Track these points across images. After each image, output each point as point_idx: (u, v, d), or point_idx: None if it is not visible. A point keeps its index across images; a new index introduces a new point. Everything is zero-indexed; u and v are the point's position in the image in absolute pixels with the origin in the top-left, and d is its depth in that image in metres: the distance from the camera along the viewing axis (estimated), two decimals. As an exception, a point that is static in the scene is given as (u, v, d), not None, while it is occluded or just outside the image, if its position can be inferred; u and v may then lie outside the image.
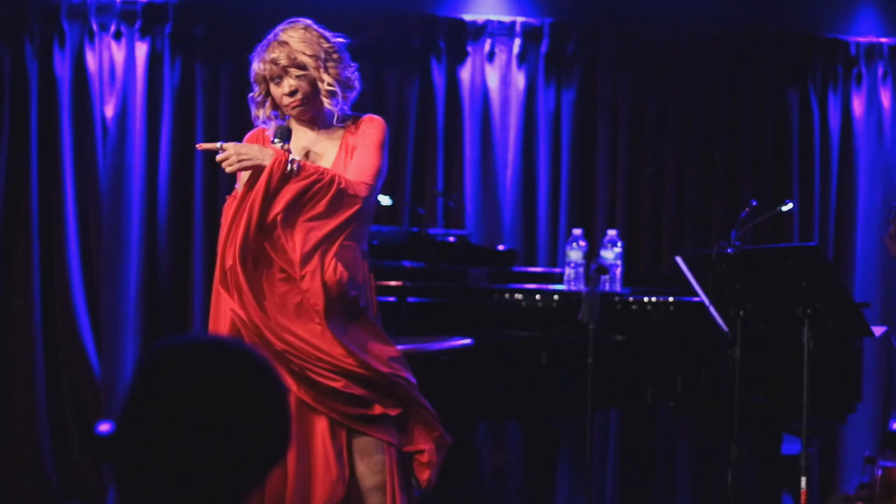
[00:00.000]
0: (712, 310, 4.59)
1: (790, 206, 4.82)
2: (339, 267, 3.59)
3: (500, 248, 6.08)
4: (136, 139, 6.18)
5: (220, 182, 6.21)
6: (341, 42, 3.76)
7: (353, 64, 3.77)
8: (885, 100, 6.65)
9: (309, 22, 3.74)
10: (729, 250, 4.45)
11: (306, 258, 3.56)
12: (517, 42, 6.46)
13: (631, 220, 6.50)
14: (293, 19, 3.72)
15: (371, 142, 3.73)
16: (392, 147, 6.16)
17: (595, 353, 4.81)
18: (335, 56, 3.72)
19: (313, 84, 3.69)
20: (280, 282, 3.58)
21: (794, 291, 4.33)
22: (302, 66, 3.67)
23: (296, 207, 3.56)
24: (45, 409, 6.10)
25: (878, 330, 4.94)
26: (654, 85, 6.54)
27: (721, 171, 6.55)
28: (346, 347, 3.57)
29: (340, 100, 3.72)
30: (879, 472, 5.06)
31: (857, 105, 6.65)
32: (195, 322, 6.02)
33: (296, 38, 3.68)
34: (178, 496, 1.84)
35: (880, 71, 6.65)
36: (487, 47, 6.46)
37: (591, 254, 5.41)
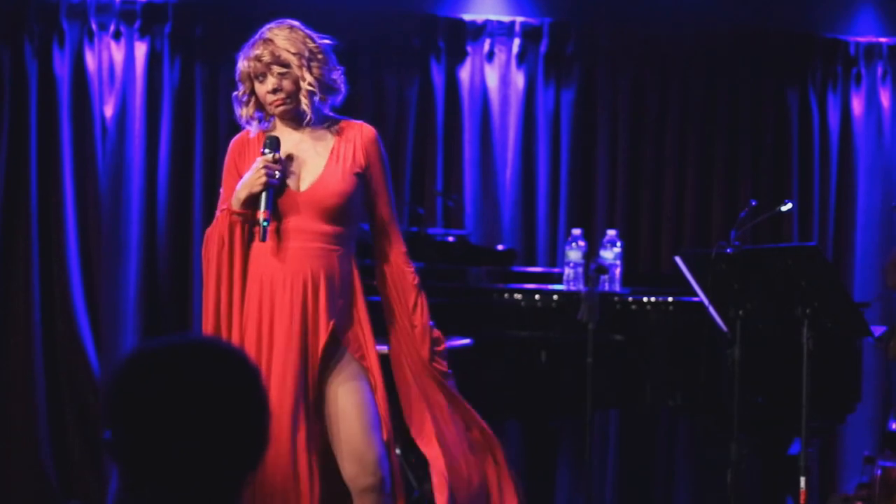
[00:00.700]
0: (712, 310, 4.59)
1: (789, 206, 4.81)
2: None
3: (500, 247, 6.08)
4: (135, 139, 6.18)
5: (219, 182, 6.19)
6: (328, 43, 3.76)
7: (339, 67, 3.77)
8: (885, 100, 6.65)
9: (296, 22, 3.74)
10: (728, 250, 4.45)
11: None
12: (516, 42, 6.46)
13: (630, 219, 6.50)
14: (281, 19, 3.73)
15: (383, 175, 3.80)
16: (391, 147, 6.17)
17: (594, 353, 4.81)
18: (320, 56, 3.71)
19: (297, 83, 3.69)
20: None
21: (794, 291, 4.33)
22: (285, 64, 3.67)
23: None
24: (45, 409, 6.10)
25: (877, 330, 4.95)
26: (653, 85, 6.54)
27: (720, 170, 6.55)
28: None
29: (318, 101, 3.71)
30: (879, 471, 5.06)
31: (857, 105, 6.65)
32: (194, 322, 6.02)
33: (281, 37, 3.69)
34: (172, 495, 1.85)
35: (880, 71, 6.65)
36: (487, 47, 6.46)
37: (591, 254, 5.41)
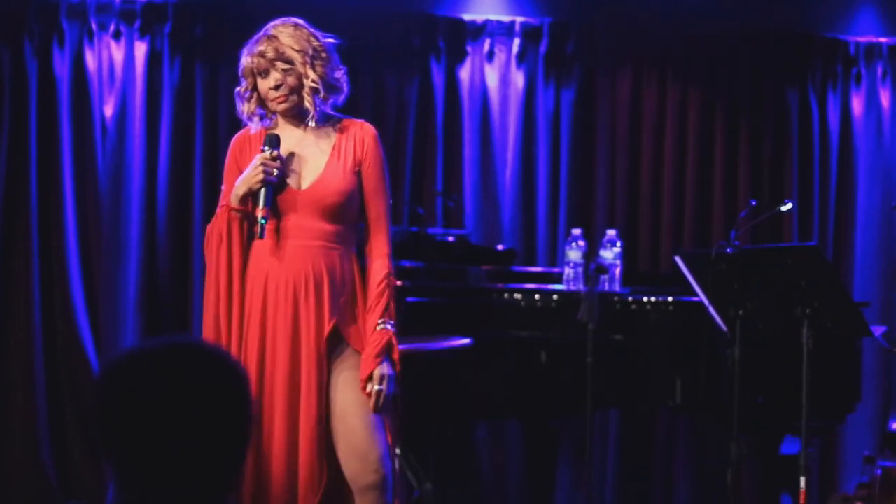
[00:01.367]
0: (711, 310, 4.59)
1: (789, 205, 4.81)
2: None
3: (500, 247, 6.08)
4: (135, 139, 6.18)
5: (220, 181, 6.20)
6: (331, 42, 3.77)
7: (342, 67, 3.77)
8: (885, 99, 6.65)
9: (300, 20, 3.75)
10: (728, 250, 4.45)
11: None
12: (516, 42, 6.46)
13: (630, 219, 6.50)
14: (285, 17, 3.74)
15: (378, 175, 3.77)
16: (391, 147, 6.17)
17: (594, 352, 4.81)
18: (323, 55, 3.72)
19: (300, 80, 3.69)
20: None
21: (794, 291, 4.33)
22: (289, 61, 3.67)
23: None
24: (45, 408, 6.10)
25: (877, 329, 4.94)
26: (653, 84, 6.54)
27: (720, 170, 6.55)
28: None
29: (321, 100, 3.72)
30: (879, 471, 5.06)
31: (857, 105, 6.65)
32: (195, 321, 6.02)
33: (285, 34, 3.69)
34: (161, 494, 1.86)
35: (879, 71, 6.65)
36: (487, 47, 6.46)
37: (591, 253, 5.41)
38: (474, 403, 5.16)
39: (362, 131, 3.79)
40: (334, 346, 3.71)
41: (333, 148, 3.75)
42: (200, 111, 6.24)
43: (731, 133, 6.57)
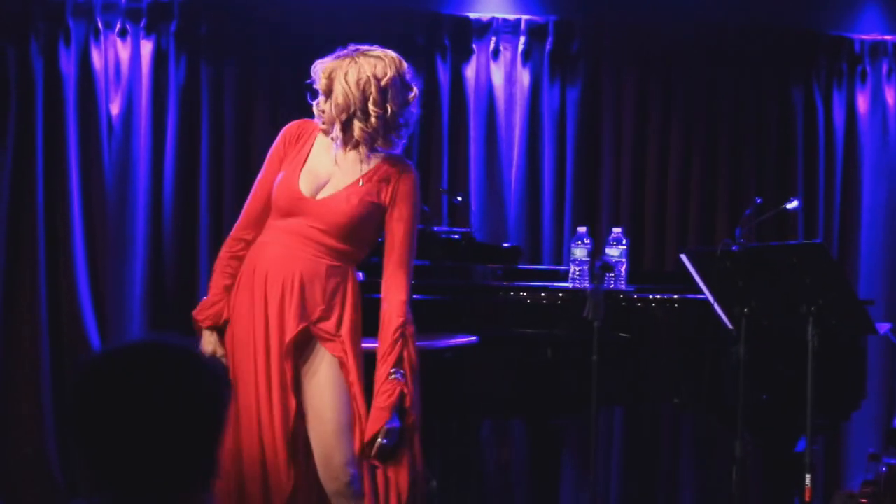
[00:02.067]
0: (717, 307, 4.59)
1: (795, 203, 4.82)
2: None
3: (505, 245, 6.07)
4: (141, 137, 6.19)
5: (226, 180, 6.22)
6: (413, 94, 3.77)
7: (410, 120, 3.77)
8: (890, 97, 6.65)
9: (392, 57, 3.74)
10: (734, 248, 4.45)
11: None
12: (522, 40, 6.46)
13: (636, 217, 6.50)
14: (376, 46, 3.74)
15: (406, 220, 3.78)
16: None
17: (599, 350, 4.80)
18: (386, 105, 3.70)
19: (355, 114, 3.69)
20: None
21: (799, 289, 4.33)
22: (335, 99, 3.70)
23: None
24: (51, 408, 6.11)
25: (882, 327, 4.94)
26: (658, 82, 6.54)
27: (725, 168, 6.55)
28: None
29: (371, 135, 3.72)
30: (884, 469, 5.06)
31: (862, 102, 6.64)
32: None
33: (352, 73, 3.68)
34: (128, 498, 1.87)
35: (885, 68, 6.64)
36: (492, 45, 6.46)
37: (596, 251, 5.41)
38: (480, 401, 5.16)
39: (400, 173, 3.78)
40: (307, 351, 3.73)
41: (364, 174, 3.75)
42: (206, 109, 6.25)
43: (735, 131, 6.57)
